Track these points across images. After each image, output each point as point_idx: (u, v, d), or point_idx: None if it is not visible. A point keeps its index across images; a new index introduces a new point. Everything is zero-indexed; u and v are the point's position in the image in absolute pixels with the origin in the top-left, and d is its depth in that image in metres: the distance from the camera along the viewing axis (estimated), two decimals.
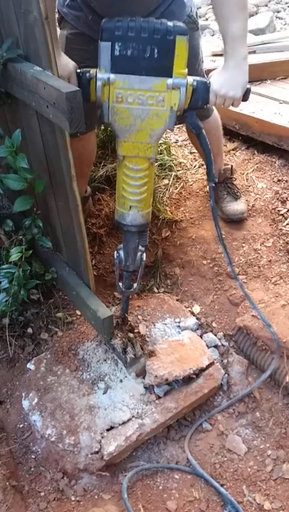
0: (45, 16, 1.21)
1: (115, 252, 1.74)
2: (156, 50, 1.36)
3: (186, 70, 1.41)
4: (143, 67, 1.38)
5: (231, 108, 1.61)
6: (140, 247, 1.72)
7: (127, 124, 1.46)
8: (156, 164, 2.58)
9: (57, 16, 1.76)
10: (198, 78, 1.48)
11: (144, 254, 1.74)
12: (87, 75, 1.43)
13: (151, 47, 1.35)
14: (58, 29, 1.77)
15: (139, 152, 1.51)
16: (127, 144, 1.50)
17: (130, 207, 1.60)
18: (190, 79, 1.44)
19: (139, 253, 1.72)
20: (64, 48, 1.75)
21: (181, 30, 1.35)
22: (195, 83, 1.46)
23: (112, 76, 1.39)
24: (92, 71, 1.43)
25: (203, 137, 1.60)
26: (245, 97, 1.55)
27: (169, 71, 1.39)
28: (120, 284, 1.78)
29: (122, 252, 1.72)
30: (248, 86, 1.54)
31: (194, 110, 1.54)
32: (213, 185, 1.72)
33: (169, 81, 1.39)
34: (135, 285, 1.78)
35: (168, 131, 2.95)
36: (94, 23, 1.63)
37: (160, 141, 2.72)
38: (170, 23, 1.35)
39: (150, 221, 1.69)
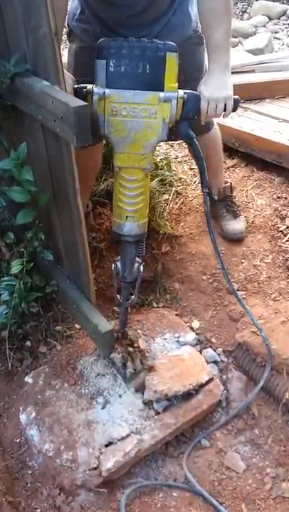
0: (54, 32, 1.23)
1: (113, 263, 1.76)
2: (147, 66, 1.45)
3: (177, 84, 1.49)
4: (136, 82, 1.46)
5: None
6: (137, 259, 1.74)
7: (122, 135, 1.52)
8: (157, 179, 2.61)
9: (66, 30, 1.80)
10: (188, 91, 1.56)
11: (142, 265, 1.76)
12: (84, 90, 1.50)
13: (143, 63, 1.44)
14: (68, 43, 1.82)
15: (134, 163, 1.56)
16: (122, 155, 1.56)
17: (126, 217, 1.64)
18: (180, 92, 1.52)
19: (136, 264, 1.74)
20: (73, 61, 1.79)
21: (171, 47, 1.45)
22: (186, 96, 1.54)
23: (107, 91, 1.47)
24: (89, 86, 1.50)
25: (195, 145, 1.67)
26: (234, 106, 1.63)
27: (161, 85, 1.47)
28: (118, 296, 1.79)
29: (119, 263, 1.74)
30: (237, 97, 1.63)
31: (186, 121, 1.60)
32: (207, 191, 1.77)
33: (161, 94, 1.48)
34: (133, 297, 1.79)
35: (168, 147, 3.05)
36: (101, 36, 1.67)
37: (161, 157, 2.74)
38: (160, 42, 1.45)
39: (146, 231, 1.72)
